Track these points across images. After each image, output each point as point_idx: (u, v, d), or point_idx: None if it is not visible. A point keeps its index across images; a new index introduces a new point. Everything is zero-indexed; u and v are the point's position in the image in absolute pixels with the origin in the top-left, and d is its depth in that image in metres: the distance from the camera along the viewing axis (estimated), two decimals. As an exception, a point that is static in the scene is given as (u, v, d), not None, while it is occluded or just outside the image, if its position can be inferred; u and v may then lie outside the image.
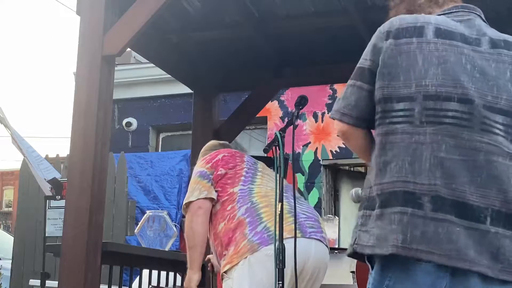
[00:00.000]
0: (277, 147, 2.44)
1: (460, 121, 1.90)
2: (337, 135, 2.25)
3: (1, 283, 7.65)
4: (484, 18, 2.09)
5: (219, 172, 3.02)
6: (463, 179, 1.87)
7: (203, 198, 2.99)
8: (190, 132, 4.98)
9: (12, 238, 8.41)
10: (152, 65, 5.59)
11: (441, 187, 1.87)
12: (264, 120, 8.62)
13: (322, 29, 4.16)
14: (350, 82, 2.05)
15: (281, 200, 2.35)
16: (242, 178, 3.01)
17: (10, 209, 25.50)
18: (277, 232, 2.35)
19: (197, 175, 3.07)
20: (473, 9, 2.08)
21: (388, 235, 1.89)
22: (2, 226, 21.14)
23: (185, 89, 5.21)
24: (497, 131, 1.91)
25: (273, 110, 8.67)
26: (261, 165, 3.16)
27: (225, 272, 2.86)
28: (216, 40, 4.43)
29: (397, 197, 1.90)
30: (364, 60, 2.03)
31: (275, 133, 2.47)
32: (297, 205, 2.73)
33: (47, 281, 4.45)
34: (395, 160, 1.92)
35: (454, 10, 2.08)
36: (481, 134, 1.90)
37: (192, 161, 4.81)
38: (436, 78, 1.92)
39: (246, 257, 2.78)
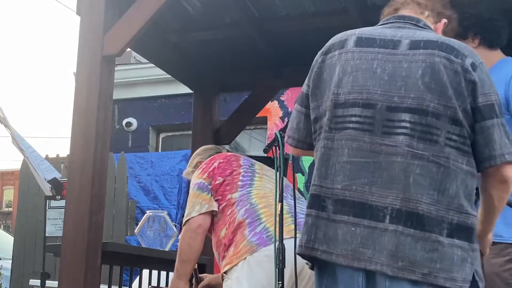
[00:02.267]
0: (277, 147, 2.44)
1: (363, 125, 1.97)
2: None
3: (1, 283, 7.66)
4: (422, 25, 2.12)
5: (217, 182, 2.99)
6: (363, 180, 1.94)
7: (204, 213, 2.95)
8: (190, 132, 4.97)
9: (12, 238, 8.41)
10: (152, 65, 5.59)
11: (342, 190, 1.96)
12: (264, 120, 8.62)
13: (322, 29, 4.15)
14: (295, 106, 2.23)
15: (281, 201, 2.35)
16: (239, 183, 2.99)
17: (10, 209, 25.50)
18: (277, 232, 2.34)
19: (196, 188, 3.01)
20: (408, 18, 2.14)
21: (299, 236, 2.07)
22: (2, 226, 21.14)
23: (185, 89, 5.21)
24: (400, 130, 1.93)
25: (273, 110, 8.67)
26: (258, 166, 3.13)
27: (225, 272, 2.86)
28: (216, 40, 4.42)
29: (309, 200, 2.06)
30: (304, 84, 2.19)
31: (275, 133, 2.47)
32: (297, 205, 2.73)
33: (47, 281, 4.45)
34: (314, 168, 2.07)
35: (391, 21, 2.16)
36: (381, 137, 1.95)
37: (192, 161, 4.82)
38: (346, 86, 2.01)
39: (245, 257, 2.78)
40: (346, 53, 2.06)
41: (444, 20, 2.24)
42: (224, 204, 2.96)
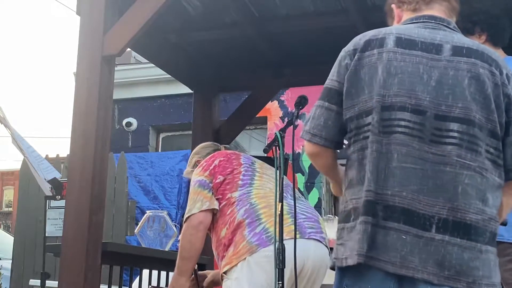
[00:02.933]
0: (277, 147, 2.43)
1: (412, 130, 1.95)
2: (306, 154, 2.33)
3: (1, 283, 7.65)
4: (452, 27, 2.11)
5: (217, 180, 2.98)
6: (413, 187, 1.92)
7: (205, 211, 2.94)
8: (190, 132, 4.98)
9: (12, 238, 8.40)
10: (152, 65, 5.59)
11: (392, 196, 1.93)
12: (264, 120, 8.62)
13: (322, 29, 4.16)
14: (318, 102, 2.13)
15: (281, 200, 2.35)
16: (240, 182, 2.97)
17: (10, 209, 25.49)
18: (277, 232, 2.34)
19: (197, 185, 3.00)
20: (440, 19, 2.12)
21: (354, 245, 1.97)
22: (2, 226, 21.13)
23: (185, 89, 5.21)
24: (449, 140, 1.93)
25: (273, 110, 8.67)
26: (259, 164, 3.12)
27: (224, 272, 2.86)
28: (216, 40, 4.43)
29: (363, 207, 1.98)
30: (331, 80, 2.10)
31: (275, 133, 2.47)
32: (297, 205, 2.72)
33: (47, 281, 4.44)
34: (367, 172, 1.99)
35: (422, 20, 2.12)
36: (429, 145, 1.94)
37: (192, 161, 4.82)
38: (392, 89, 1.97)
39: (245, 258, 2.78)
40: (387, 53, 2.01)
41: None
42: (224, 203, 2.95)
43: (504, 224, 2.49)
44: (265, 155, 2.85)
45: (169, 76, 5.02)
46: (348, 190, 2.06)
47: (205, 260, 4.32)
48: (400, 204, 1.92)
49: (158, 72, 6.13)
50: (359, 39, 2.09)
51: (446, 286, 1.88)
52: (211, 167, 3.03)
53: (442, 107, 1.94)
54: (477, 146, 1.94)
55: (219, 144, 3.46)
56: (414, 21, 2.13)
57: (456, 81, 1.96)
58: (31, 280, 6.80)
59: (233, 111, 5.00)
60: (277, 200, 2.36)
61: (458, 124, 1.93)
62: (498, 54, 2.10)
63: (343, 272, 2.02)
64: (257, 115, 5.29)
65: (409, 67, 1.98)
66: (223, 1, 4.03)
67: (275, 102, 8.61)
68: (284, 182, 2.53)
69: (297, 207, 2.72)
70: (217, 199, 2.97)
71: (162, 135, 9.71)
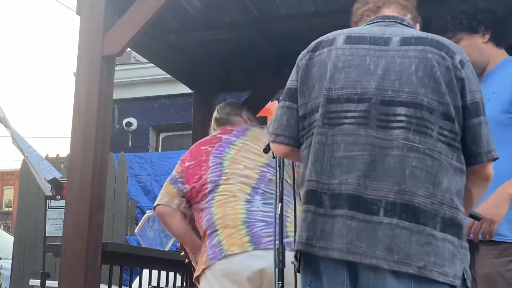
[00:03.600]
0: (277, 147, 2.43)
1: (358, 119, 1.96)
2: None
3: (1, 283, 7.66)
4: (406, 23, 2.15)
5: (186, 189, 3.01)
6: (358, 173, 1.92)
7: (163, 205, 3.01)
8: (190, 132, 4.98)
9: (12, 238, 8.41)
10: (152, 65, 5.59)
11: (339, 184, 1.94)
12: (264, 120, 8.61)
13: (322, 29, 4.14)
14: (280, 104, 2.17)
15: (281, 200, 2.34)
16: (207, 189, 2.97)
17: (10, 209, 25.49)
18: (277, 232, 2.34)
19: (168, 178, 3.09)
20: (393, 17, 2.16)
21: (298, 233, 2.02)
22: (2, 226, 21.13)
23: (185, 89, 5.21)
24: (396, 124, 1.93)
25: (273, 110, 8.67)
26: (231, 155, 3.02)
27: (195, 278, 2.93)
28: (216, 40, 4.42)
29: (305, 196, 2.02)
30: (290, 81, 2.15)
31: (275, 133, 2.46)
32: (257, 211, 2.75)
33: (47, 281, 4.45)
34: (309, 164, 2.02)
35: (376, 20, 2.17)
36: (377, 131, 1.94)
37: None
38: (339, 82, 2.00)
39: (204, 270, 2.84)
40: (336, 50, 2.06)
41: (418, 25, 2.27)
42: (196, 208, 3.00)
43: (477, 218, 2.48)
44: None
45: (169, 76, 5.02)
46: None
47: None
48: (345, 191, 1.92)
49: (158, 72, 6.13)
50: (315, 41, 2.16)
51: (397, 271, 1.85)
52: (184, 167, 3.06)
53: (388, 93, 1.95)
54: (427, 129, 1.92)
55: (214, 117, 3.38)
56: (368, 23, 2.19)
57: (403, 67, 1.97)
58: (31, 280, 6.81)
59: (233, 111, 4.99)
60: (277, 199, 2.36)
61: (406, 108, 1.93)
62: (452, 41, 2.10)
63: (305, 270, 2.04)
64: (257, 115, 5.29)
65: (356, 60, 2.01)
66: (223, 1, 4.02)
67: (275, 102, 8.61)
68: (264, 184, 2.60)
69: (260, 213, 2.74)
70: (189, 202, 3.02)
71: (162, 135, 9.71)
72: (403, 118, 1.93)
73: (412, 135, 1.92)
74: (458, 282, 1.90)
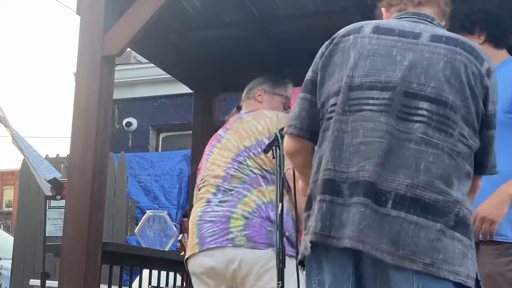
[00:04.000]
0: (277, 147, 2.43)
1: (380, 107, 1.91)
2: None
3: (1, 283, 7.66)
4: (436, 23, 2.11)
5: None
6: (376, 160, 1.86)
7: None
8: (190, 132, 4.98)
9: (12, 238, 8.41)
10: (152, 65, 5.59)
11: (357, 172, 1.87)
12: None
13: (322, 29, 4.15)
14: (298, 95, 2.12)
15: (281, 200, 2.34)
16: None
17: (10, 209, 25.48)
18: (278, 232, 2.34)
19: None
20: (423, 16, 2.11)
21: (313, 224, 1.92)
22: (2, 226, 21.13)
23: (185, 89, 5.21)
24: (416, 117, 1.89)
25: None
26: (211, 159, 2.99)
27: None
28: (216, 40, 4.42)
29: (321, 186, 1.93)
30: (309, 71, 2.11)
31: (275, 133, 2.47)
32: (210, 212, 2.80)
33: (47, 281, 4.45)
34: (325, 152, 1.95)
35: (405, 16, 2.12)
36: (397, 121, 1.89)
37: (193, 161, 4.81)
38: (363, 70, 1.95)
39: None
40: (362, 38, 2.00)
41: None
42: None
43: None
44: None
45: (169, 76, 5.02)
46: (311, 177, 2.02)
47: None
48: (362, 178, 1.86)
49: (158, 72, 6.12)
50: (341, 30, 2.10)
51: (402, 266, 1.79)
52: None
53: (413, 85, 1.90)
54: (448, 127, 1.88)
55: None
56: (398, 17, 2.14)
57: (431, 62, 1.92)
58: (31, 280, 6.80)
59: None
60: (278, 199, 2.36)
61: (428, 103, 1.89)
62: (482, 47, 2.06)
63: (310, 264, 1.96)
64: (257, 115, 5.28)
65: (382, 50, 1.97)
66: (223, 1, 4.02)
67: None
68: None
69: (211, 213, 2.78)
70: None
71: (162, 135, 9.71)
72: (424, 112, 1.88)
73: (432, 131, 1.87)
74: (471, 283, 1.83)
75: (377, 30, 2.02)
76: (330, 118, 1.97)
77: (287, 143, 2.15)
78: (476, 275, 1.88)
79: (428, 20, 2.09)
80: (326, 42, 2.11)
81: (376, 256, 1.80)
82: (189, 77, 4.85)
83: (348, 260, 1.87)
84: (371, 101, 1.92)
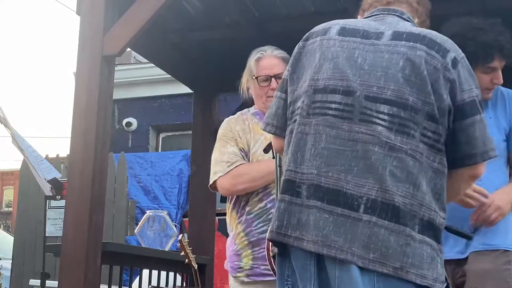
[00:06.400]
0: (277, 147, 2.43)
1: (342, 112, 1.93)
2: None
3: (1, 283, 7.65)
4: (406, 17, 2.12)
5: None
6: (340, 168, 1.88)
7: None
8: (190, 132, 4.97)
9: (12, 238, 8.41)
10: (152, 65, 5.59)
11: (317, 175, 1.90)
12: (264, 120, 8.60)
13: (322, 29, 4.16)
14: (275, 93, 2.18)
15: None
16: None
17: (10, 209, 25.51)
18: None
19: None
20: (392, 10, 2.13)
21: (271, 222, 1.98)
22: (2, 226, 21.14)
23: (185, 89, 5.21)
24: (378, 121, 1.89)
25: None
26: None
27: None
28: (216, 40, 4.43)
29: (282, 185, 1.98)
30: (285, 71, 2.15)
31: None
32: None
33: (47, 281, 4.45)
34: (288, 153, 2.00)
35: (375, 13, 2.15)
36: (359, 125, 1.90)
37: (192, 161, 4.82)
38: (326, 73, 1.98)
39: None
40: (328, 40, 2.04)
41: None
42: None
43: (469, 237, 2.51)
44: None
45: (169, 76, 5.02)
46: None
47: (205, 260, 4.32)
48: (325, 184, 1.88)
49: (158, 72, 6.12)
50: (311, 30, 2.14)
51: (372, 270, 1.80)
52: None
53: (373, 89, 1.91)
54: (410, 129, 1.88)
55: None
56: (367, 15, 2.18)
57: (390, 63, 1.93)
58: (31, 280, 6.81)
59: (233, 111, 4.99)
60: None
61: (389, 106, 1.89)
62: (447, 38, 2.04)
63: (281, 263, 2.00)
64: (257, 115, 5.28)
65: (345, 52, 1.99)
66: (223, 1, 4.03)
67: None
68: None
69: None
70: None
71: (162, 135, 9.71)
72: (385, 117, 1.89)
73: (394, 135, 1.88)
74: (439, 286, 1.85)
75: (342, 31, 2.05)
76: (295, 120, 2.02)
77: (273, 142, 2.22)
78: (446, 279, 1.90)
79: (397, 14, 2.11)
80: (299, 43, 2.15)
81: (346, 259, 1.82)
82: (189, 77, 4.85)
83: (310, 263, 1.89)
84: (333, 106, 1.94)
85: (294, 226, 1.91)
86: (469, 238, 2.50)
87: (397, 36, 1.98)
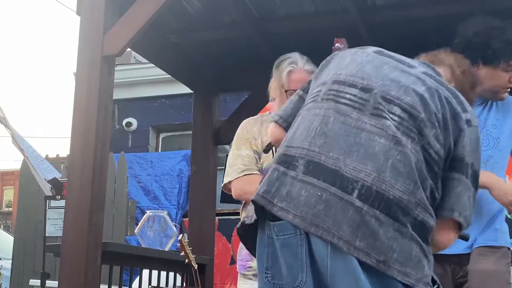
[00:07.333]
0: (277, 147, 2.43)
1: (354, 103, 1.96)
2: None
3: (1, 283, 7.66)
4: (436, 73, 2.14)
5: None
6: (341, 150, 1.88)
7: None
8: (190, 132, 4.97)
9: (12, 238, 8.41)
10: (152, 65, 5.58)
11: (318, 153, 1.90)
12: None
13: (322, 29, 4.15)
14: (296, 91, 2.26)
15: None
16: None
17: (10, 209, 25.51)
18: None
19: None
20: (427, 63, 2.20)
21: (259, 187, 1.96)
22: (2, 226, 21.14)
23: (185, 89, 5.21)
24: (389, 117, 1.92)
25: (273, 110, 8.66)
26: None
27: None
28: (216, 40, 4.42)
29: (278, 157, 1.98)
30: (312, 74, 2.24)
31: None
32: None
33: (47, 281, 4.45)
34: (291, 129, 2.04)
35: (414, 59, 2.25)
36: (369, 117, 1.93)
37: (192, 161, 4.82)
38: (350, 71, 2.04)
39: None
40: (362, 53, 2.12)
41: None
42: None
43: (466, 239, 2.51)
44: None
45: (169, 76, 5.02)
46: None
47: (205, 260, 4.32)
48: (324, 162, 1.87)
49: (158, 72, 6.12)
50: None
51: (355, 257, 1.77)
52: None
53: (391, 93, 1.97)
54: (415, 136, 1.91)
55: None
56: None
57: (414, 85, 2.00)
58: (31, 280, 6.81)
59: (233, 111, 5.00)
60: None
61: (401, 110, 1.94)
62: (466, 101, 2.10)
63: (260, 254, 1.95)
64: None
65: (375, 62, 2.06)
66: (223, 1, 4.02)
67: (275, 102, 8.60)
68: None
69: None
70: None
71: (162, 135, 9.71)
72: (396, 117, 1.93)
73: (401, 135, 1.90)
74: (421, 286, 1.81)
75: (379, 51, 2.13)
76: (307, 104, 2.07)
77: (272, 131, 2.23)
78: (434, 281, 1.89)
79: (431, 67, 2.16)
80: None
81: (332, 241, 1.79)
82: (189, 77, 4.85)
83: (300, 237, 1.84)
84: (348, 96, 1.98)
85: (282, 197, 1.88)
86: (466, 239, 2.50)
87: (428, 75, 2.07)
